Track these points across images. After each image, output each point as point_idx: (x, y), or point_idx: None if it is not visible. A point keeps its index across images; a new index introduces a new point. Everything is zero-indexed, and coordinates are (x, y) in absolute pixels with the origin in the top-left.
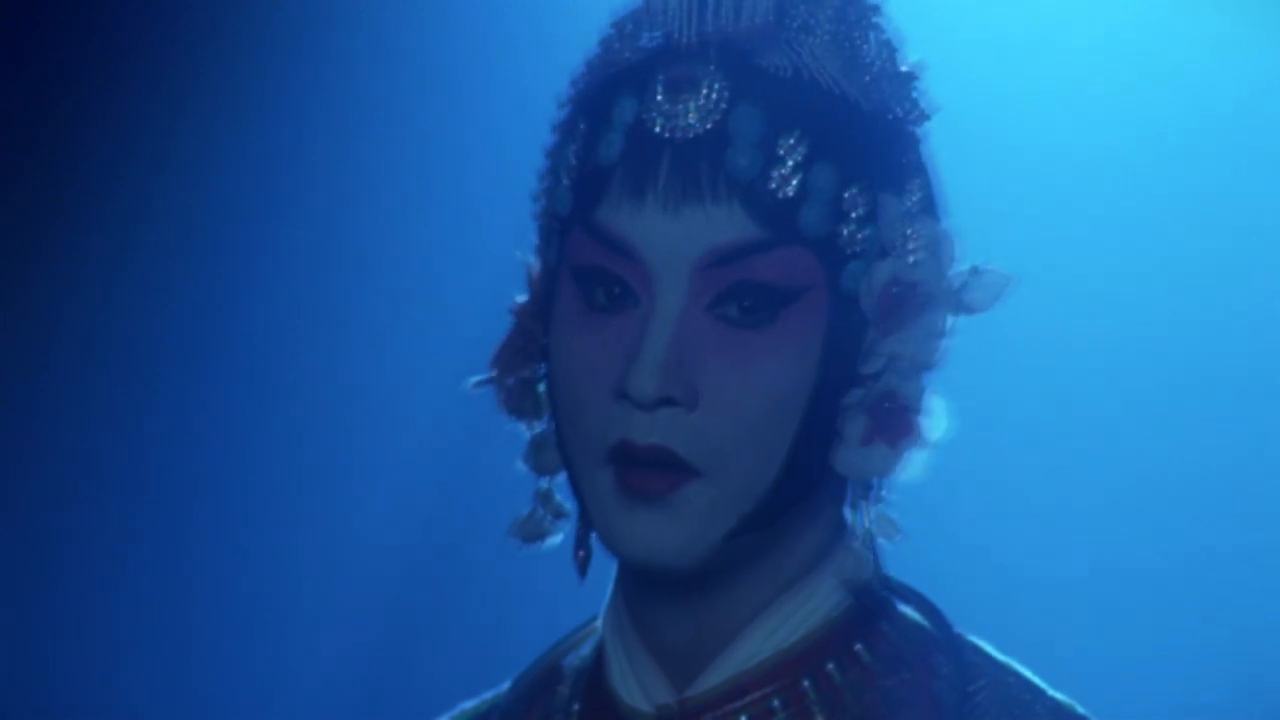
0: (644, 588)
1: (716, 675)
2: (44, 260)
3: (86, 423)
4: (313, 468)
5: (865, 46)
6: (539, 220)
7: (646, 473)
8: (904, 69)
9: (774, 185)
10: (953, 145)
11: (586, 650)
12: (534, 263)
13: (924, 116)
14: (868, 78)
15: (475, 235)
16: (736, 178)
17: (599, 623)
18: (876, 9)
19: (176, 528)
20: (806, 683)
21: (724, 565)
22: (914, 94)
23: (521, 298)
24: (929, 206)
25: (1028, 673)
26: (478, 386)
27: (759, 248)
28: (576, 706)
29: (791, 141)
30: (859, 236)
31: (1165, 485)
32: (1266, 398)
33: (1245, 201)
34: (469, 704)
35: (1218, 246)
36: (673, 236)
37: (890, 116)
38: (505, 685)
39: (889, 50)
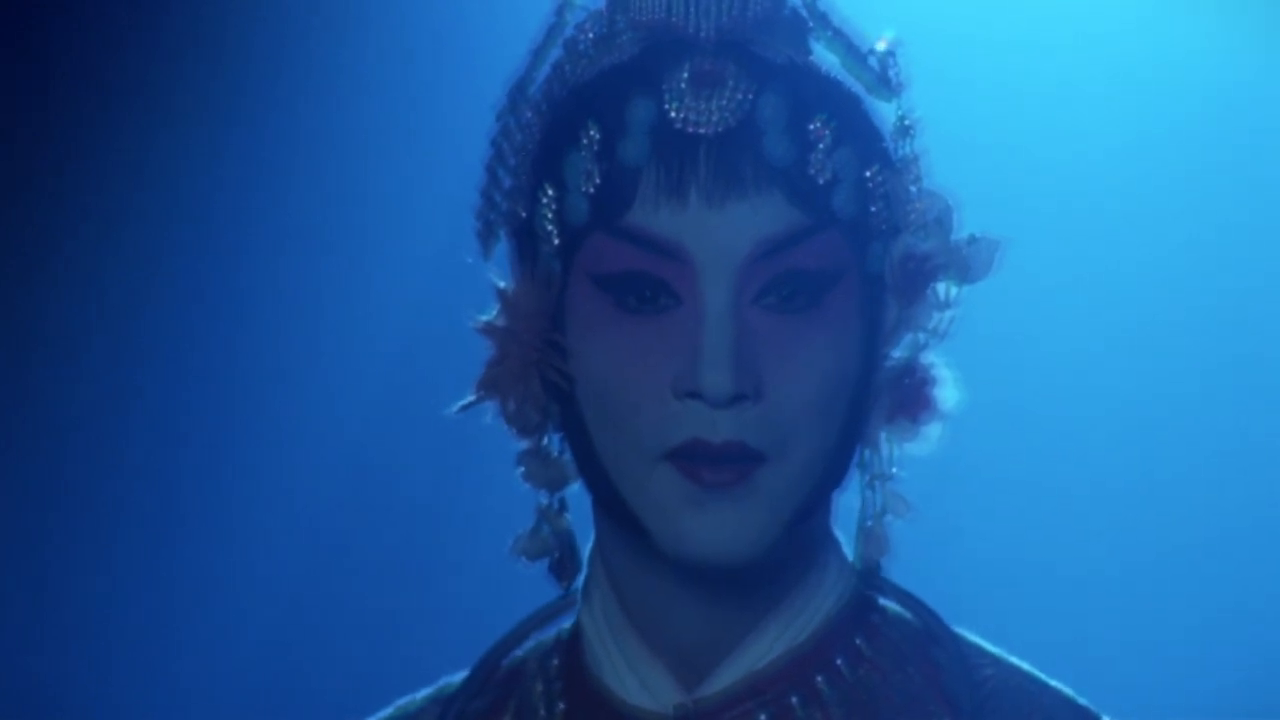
0: (663, 588)
1: (731, 674)
2: (21, 262)
3: (70, 420)
4: (306, 465)
5: (829, 29)
6: (508, 235)
7: (717, 465)
8: (880, 46)
9: (812, 170)
10: (943, 142)
11: (533, 645)
12: (513, 281)
13: (900, 90)
14: (848, 59)
15: (466, 235)
16: (776, 166)
17: (581, 620)
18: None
19: (162, 529)
20: (820, 678)
21: (766, 561)
22: (891, 69)
23: (495, 317)
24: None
25: (1023, 663)
26: (463, 410)
27: (804, 235)
28: (562, 706)
29: (818, 125)
30: (883, 215)
31: (1165, 479)
32: (1267, 391)
33: (1243, 196)
34: (404, 700)
35: (1218, 241)
36: (720, 232)
37: (875, 95)
38: (446, 680)
39: (849, 31)
